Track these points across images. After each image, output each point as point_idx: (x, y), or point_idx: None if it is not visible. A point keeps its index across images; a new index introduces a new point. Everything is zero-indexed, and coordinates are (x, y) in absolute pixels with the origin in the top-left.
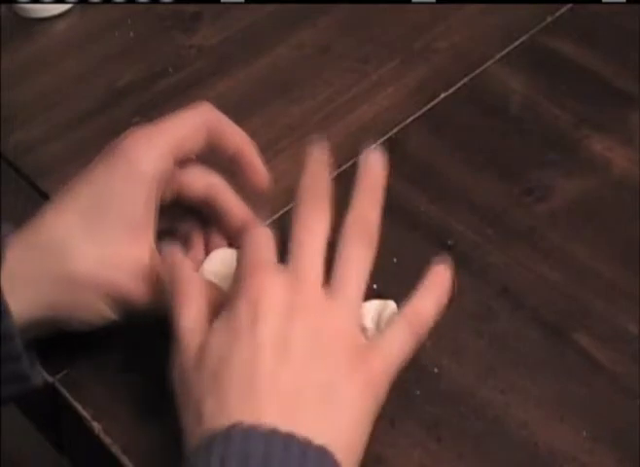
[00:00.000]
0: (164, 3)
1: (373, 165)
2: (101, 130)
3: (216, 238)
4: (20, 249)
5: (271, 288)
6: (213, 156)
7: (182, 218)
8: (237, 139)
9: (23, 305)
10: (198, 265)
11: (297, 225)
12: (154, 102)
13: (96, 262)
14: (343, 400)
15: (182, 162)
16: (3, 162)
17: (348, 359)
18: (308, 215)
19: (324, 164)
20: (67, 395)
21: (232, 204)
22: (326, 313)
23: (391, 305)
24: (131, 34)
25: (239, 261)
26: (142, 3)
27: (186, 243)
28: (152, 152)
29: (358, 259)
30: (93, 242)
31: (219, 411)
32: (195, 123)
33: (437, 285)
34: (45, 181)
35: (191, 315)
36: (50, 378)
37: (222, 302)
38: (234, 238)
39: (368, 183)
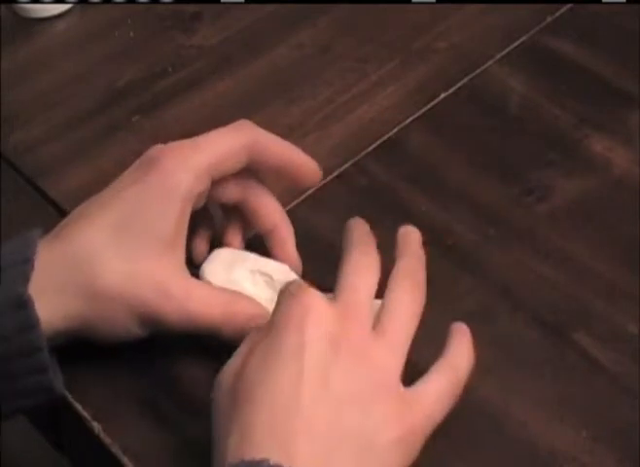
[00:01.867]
0: (164, 3)
1: (413, 239)
2: (101, 130)
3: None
4: (49, 260)
5: (320, 317)
6: None
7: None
8: (280, 154)
9: (51, 317)
10: None
11: (348, 266)
12: (154, 102)
13: (125, 277)
14: (379, 451)
15: None
16: (3, 162)
17: (389, 409)
18: (360, 258)
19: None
20: (67, 395)
21: (267, 207)
22: (371, 356)
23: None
24: (131, 34)
25: (286, 284)
26: (142, 3)
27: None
28: (188, 172)
29: (408, 305)
30: (123, 258)
31: (247, 440)
32: (234, 143)
33: (465, 343)
34: (45, 181)
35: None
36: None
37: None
38: (266, 238)
39: (410, 249)
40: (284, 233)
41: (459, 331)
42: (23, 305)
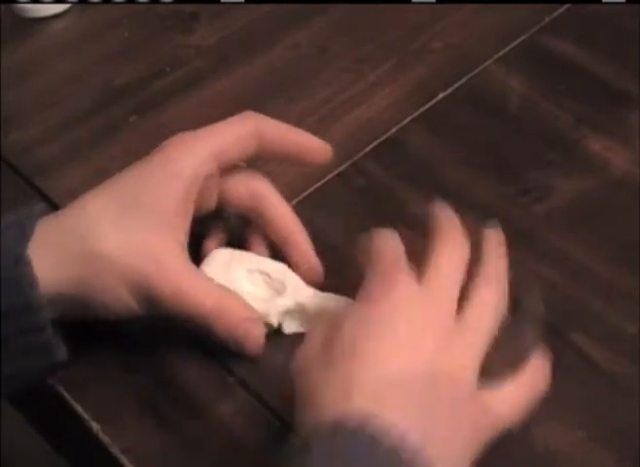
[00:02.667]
0: (163, 3)
1: (501, 241)
2: (99, 130)
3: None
4: (52, 225)
5: (408, 292)
6: None
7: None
8: (290, 137)
9: (51, 279)
10: None
11: (437, 252)
12: (151, 102)
13: (122, 246)
14: (463, 428)
15: (228, 170)
16: (2, 162)
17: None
18: (448, 246)
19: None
20: (67, 395)
21: (281, 214)
22: (453, 346)
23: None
24: (130, 34)
25: (372, 259)
26: (140, 3)
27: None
28: (193, 154)
29: (494, 309)
30: (122, 229)
31: (346, 400)
32: (240, 130)
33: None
34: (43, 180)
35: None
36: (49, 379)
37: None
38: (281, 247)
39: (499, 251)
40: (300, 237)
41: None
42: (22, 264)
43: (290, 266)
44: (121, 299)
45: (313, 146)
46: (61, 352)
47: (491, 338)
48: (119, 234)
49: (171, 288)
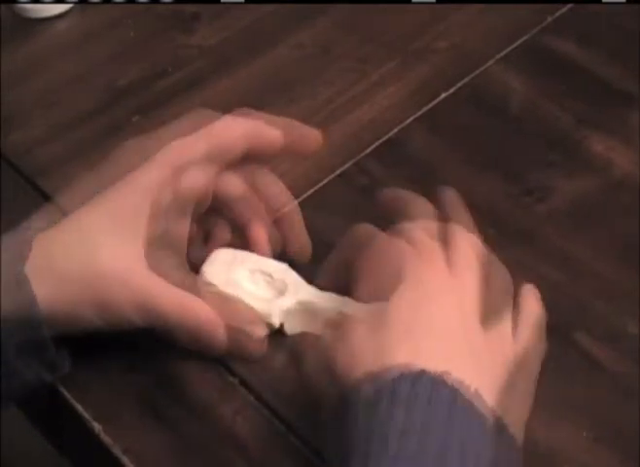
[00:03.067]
0: (164, 3)
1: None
2: (101, 130)
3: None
4: (48, 244)
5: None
6: None
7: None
8: (279, 134)
9: (48, 299)
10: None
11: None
12: (154, 102)
13: (85, 264)
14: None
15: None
16: (3, 162)
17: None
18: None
19: None
20: (67, 395)
21: (275, 190)
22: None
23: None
24: (131, 34)
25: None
26: (142, 3)
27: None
28: (149, 164)
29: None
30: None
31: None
32: (232, 132)
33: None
34: (45, 181)
35: None
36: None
37: None
38: (275, 224)
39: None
40: (296, 219)
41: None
42: (21, 283)
43: (284, 245)
44: (85, 317)
45: (304, 136)
46: (65, 366)
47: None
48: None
49: (135, 303)
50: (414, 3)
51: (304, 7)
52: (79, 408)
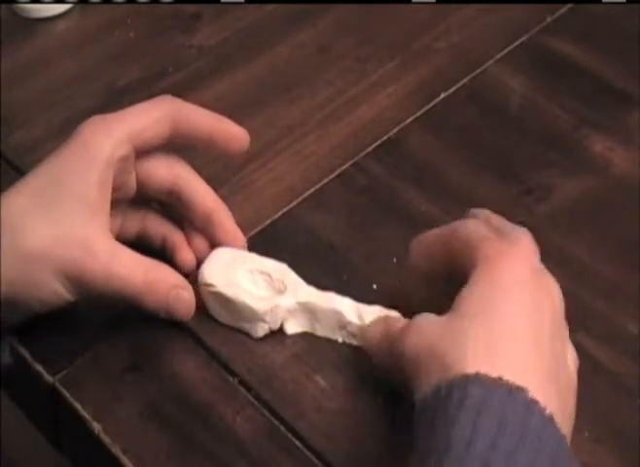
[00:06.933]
0: (164, 3)
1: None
2: None
3: (196, 238)
4: None
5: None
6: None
7: (156, 222)
8: (206, 121)
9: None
10: (190, 265)
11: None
12: None
13: (50, 240)
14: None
15: (146, 153)
16: (3, 162)
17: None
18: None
19: None
20: (67, 395)
21: (200, 194)
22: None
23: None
24: (131, 34)
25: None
26: (142, 3)
27: (166, 247)
28: (108, 137)
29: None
30: (47, 221)
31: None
32: (155, 113)
33: None
34: None
35: None
36: (50, 378)
37: None
38: (204, 228)
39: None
40: (222, 215)
41: None
42: None
43: (213, 246)
44: (52, 290)
45: (230, 132)
46: (4, 357)
47: None
48: (44, 228)
49: (103, 273)
50: (414, 3)
51: (304, 7)
52: (78, 407)
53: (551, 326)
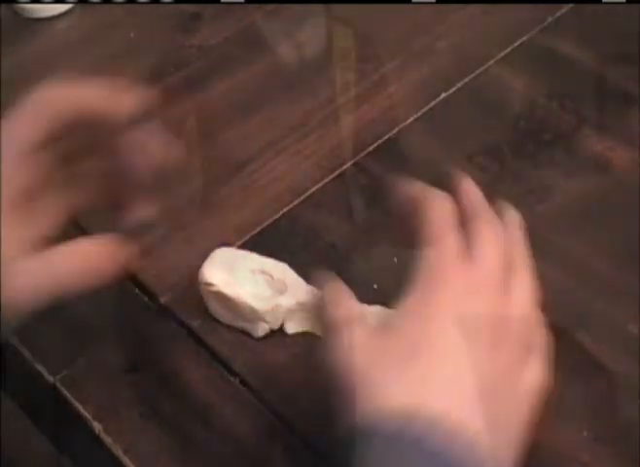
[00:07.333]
0: (164, 3)
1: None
2: None
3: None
4: None
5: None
6: None
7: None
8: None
9: None
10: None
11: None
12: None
13: None
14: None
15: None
16: None
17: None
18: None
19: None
20: (68, 395)
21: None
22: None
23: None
24: (132, 34)
25: (426, 223)
26: (142, 3)
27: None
28: None
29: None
30: None
31: (411, 394)
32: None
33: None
34: None
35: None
36: (50, 378)
37: None
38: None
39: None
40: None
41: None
42: None
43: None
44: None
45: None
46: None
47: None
48: None
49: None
50: (414, 3)
51: (305, 7)
52: (79, 407)
53: (492, 355)
